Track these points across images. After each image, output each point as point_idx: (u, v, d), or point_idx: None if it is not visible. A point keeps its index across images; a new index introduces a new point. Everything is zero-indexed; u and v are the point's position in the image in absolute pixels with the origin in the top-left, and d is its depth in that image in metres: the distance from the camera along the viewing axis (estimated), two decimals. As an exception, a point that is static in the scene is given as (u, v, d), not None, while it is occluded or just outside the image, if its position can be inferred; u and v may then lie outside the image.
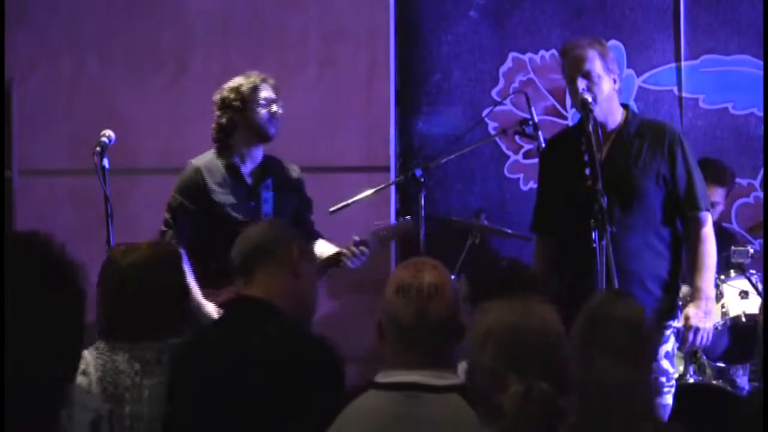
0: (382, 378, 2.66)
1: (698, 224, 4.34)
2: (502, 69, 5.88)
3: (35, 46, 5.92)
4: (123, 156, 4.70)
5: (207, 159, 4.75)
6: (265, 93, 4.75)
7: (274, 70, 5.87)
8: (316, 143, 5.87)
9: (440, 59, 5.90)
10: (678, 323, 4.37)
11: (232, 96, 4.71)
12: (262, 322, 3.04)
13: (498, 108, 5.71)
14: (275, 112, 4.74)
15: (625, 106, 4.47)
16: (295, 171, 4.91)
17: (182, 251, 4.56)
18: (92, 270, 5.47)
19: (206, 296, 4.57)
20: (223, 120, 4.73)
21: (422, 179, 4.96)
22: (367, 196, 5.08)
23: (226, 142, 4.75)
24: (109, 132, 4.31)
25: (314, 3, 5.90)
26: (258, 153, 4.79)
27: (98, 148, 4.25)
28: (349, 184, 5.53)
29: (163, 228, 4.62)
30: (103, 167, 4.23)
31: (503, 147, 5.88)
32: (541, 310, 2.39)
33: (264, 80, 4.77)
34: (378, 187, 5.17)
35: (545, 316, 2.37)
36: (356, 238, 4.70)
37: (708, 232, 4.35)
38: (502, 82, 5.88)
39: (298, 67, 5.89)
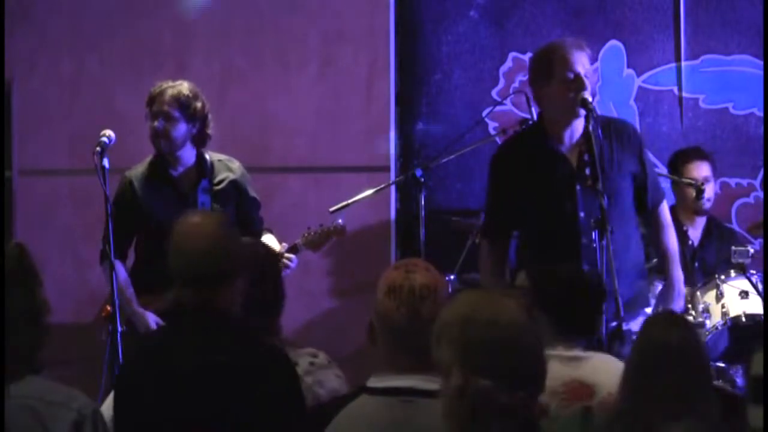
0: (374, 383, 2.63)
1: (664, 214, 4.45)
2: (502, 69, 5.88)
3: (35, 46, 5.91)
4: (123, 156, 4.69)
5: (139, 169, 4.65)
6: (155, 106, 4.53)
7: (274, 70, 5.89)
8: (316, 143, 5.87)
9: (440, 59, 5.90)
10: (650, 309, 4.46)
11: (147, 102, 4.57)
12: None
13: (498, 108, 5.71)
14: (157, 128, 4.51)
15: None
16: (234, 168, 4.69)
17: (119, 262, 4.47)
18: (92, 269, 5.48)
19: (145, 304, 4.55)
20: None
21: (422, 179, 4.97)
22: (367, 196, 5.08)
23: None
24: (109, 132, 4.29)
25: (314, 3, 5.89)
26: (187, 155, 4.62)
27: (98, 148, 4.22)
28: (349, 184, 5.53)
29: (102, 241, 4.35)
30: (103, 167, 4.20)
31: (503, 147, 5.87)
32: (499, 304, 2.22)
33: (162, 92, 4.52)
34: (378, 187, 5.17)
35: (501, 310, 2.20)
36: (284, 245, 4.65)
37: (670, 220, 4.47)
38: (502, 82, 5.88)
39: (298, 68, 5.89)
